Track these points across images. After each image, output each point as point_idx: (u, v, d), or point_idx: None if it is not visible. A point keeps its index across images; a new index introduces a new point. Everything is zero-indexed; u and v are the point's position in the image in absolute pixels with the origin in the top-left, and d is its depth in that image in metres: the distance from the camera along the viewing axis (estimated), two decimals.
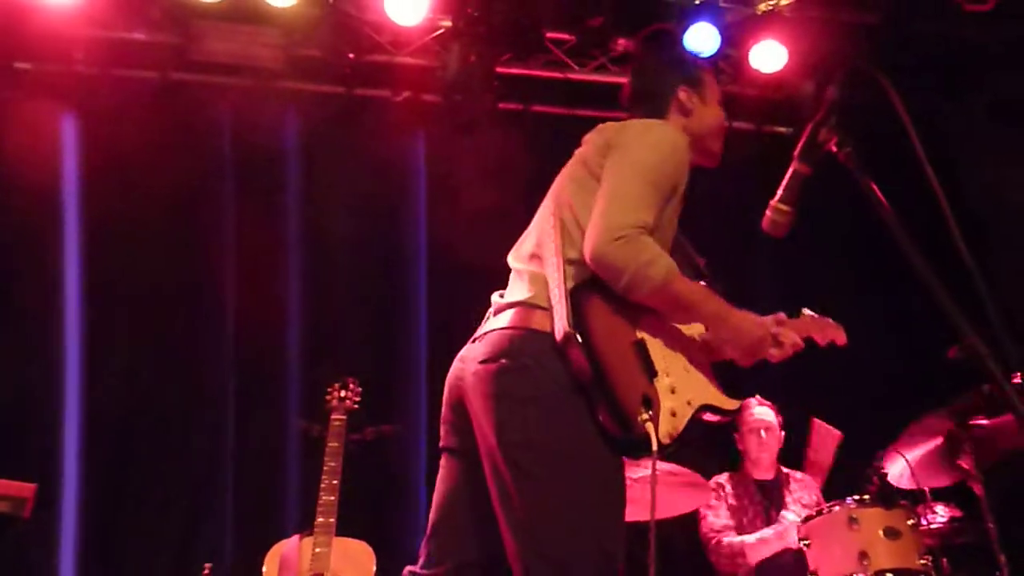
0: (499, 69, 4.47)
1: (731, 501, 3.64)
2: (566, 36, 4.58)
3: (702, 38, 4.47)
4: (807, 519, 2.98)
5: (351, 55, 4.31)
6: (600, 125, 1.98)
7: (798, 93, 4.64)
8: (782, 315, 1.99)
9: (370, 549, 3.07)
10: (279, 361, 4.05)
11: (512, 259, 2.00)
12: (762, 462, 3.70)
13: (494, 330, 1.84)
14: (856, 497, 2.85)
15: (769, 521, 3.56)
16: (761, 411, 3.72)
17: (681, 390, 1.82)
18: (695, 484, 3.19)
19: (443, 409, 1.94)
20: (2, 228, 4.01)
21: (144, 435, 3.89)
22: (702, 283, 1.94)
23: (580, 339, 1.69)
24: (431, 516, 1.92)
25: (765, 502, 3.63)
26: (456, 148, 4.48)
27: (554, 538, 1.68)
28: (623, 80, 4.55)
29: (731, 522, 3.58)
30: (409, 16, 4.19)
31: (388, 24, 4.29)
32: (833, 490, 3.04)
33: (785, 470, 3.73)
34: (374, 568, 3.03)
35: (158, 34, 4.25)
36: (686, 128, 2.01)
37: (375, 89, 4.59)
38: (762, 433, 3.68)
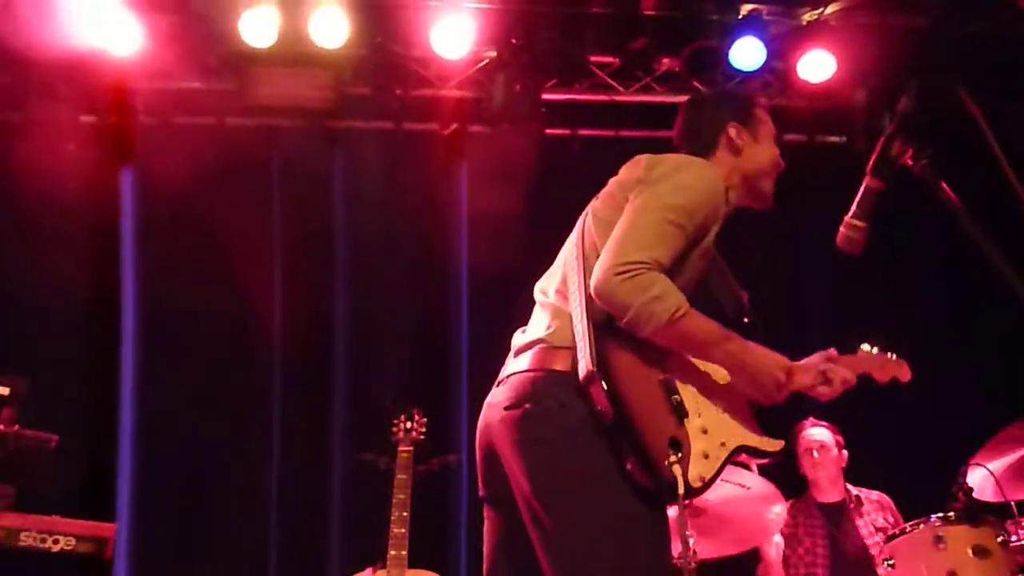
0: (545, 96, 4.50)
1: (786, 529, 3.55)
2: (610, 59, 4.59)
3: (747, 52, 4.44)
4: (889, 538, 2.88)
5: (399, 91, 4.39)
6: (636, 157, 1.90)
7: (849, 101, 4.57)
8: (833, 351, 1.89)
9: None
10: (325, 394, 4.10)
11: (537, 292, 1.96)
12: (820, 484, 3.61)
13: (516, 373, 1.82)
14: (941, 515, 2.75)
15: (832, 546, 3.47)
16: (813, 431, 3.66)
17: (714, 431, 1.76)
18: (770, 501, 3.10)
19: (477, 458, 1.92)
20: (68, 270, 4.13)
21: (195, 470, 3.97)
22: (716, 322, 1.82)
23: (603, 379, 1.65)
24: (484, 568, 1.90)
25: (829, 526, 3.54)
26: (500, 176, 4.49)
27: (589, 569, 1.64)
28: (669, 99, 4.68)
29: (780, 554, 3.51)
30: (454, 49, 4.26)
31: (434, 59, 4.36)
32: (917, 508, 2.93)
33: (855, 491, 3.63)
34: None
35: (215, 81, 4.38)
36: (736, 167, 1.95)
37: (423, 123, 4.66)
38: (815, 454, 3.61)
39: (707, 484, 1.71)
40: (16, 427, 2.80)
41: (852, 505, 3.59)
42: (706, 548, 3.01)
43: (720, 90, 2.10)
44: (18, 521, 2.68)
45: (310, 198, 4.52)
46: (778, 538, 3.51)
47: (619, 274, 1.68)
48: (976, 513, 2.71)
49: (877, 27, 4.45)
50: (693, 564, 2.90)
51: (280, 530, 3.90)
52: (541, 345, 1.81)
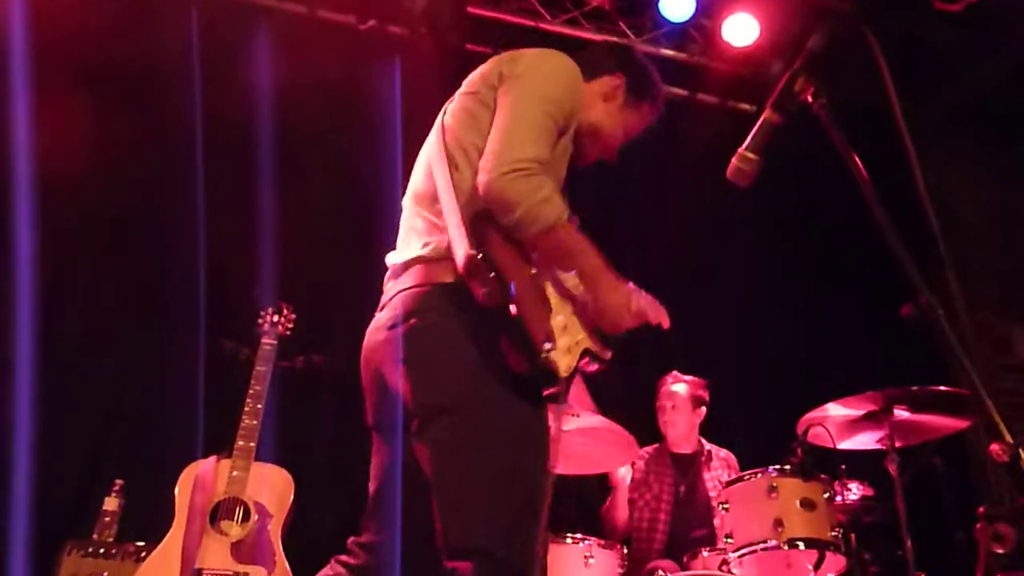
0: (470, 9, 4.35)
1: (636, 475, 3.70)
2: None
3: (678, 3, 4.43)
4: (729, 484, 3.03)
5: None
6: (494, 57, 1.89)
7: (766, 71, 4.65)
8: (632, 285, 1.90)
9: (289, 476, 3.00)
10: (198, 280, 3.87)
11: (406, 203, 1.93)
12: (671, 436, 3.77)
13: (398, 293, 1.78)
14: (777, 467, 2.90)
15: (676, 494, 3.64)
16: (674, 387, 3.79)
17: (571, 330, 1.78)
18: (629, 444, 3.21)
19: (364, 385, 1.88)
20: None
21: (68, 346, 3.72)
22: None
23: (486, 261, 1.64)
24: (370, 489, 1.88)
25: (677, 476, 3.70)
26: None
27: (479, 492, 1.64)
28: (592, 36, 4.62)
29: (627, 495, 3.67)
30: None
31: None
32: (759, 459, 3.09)
33: (708, 446, 3.80)
34: (292, 496, 2.97)
35: None
36: (594, 109, 1.96)
37: (339, 13, 4.41)
38: (669, 407, 3.75)
39: (571, 377, 1.74)
40: None
41: (703, 458, 3.75)
42: (559, 467, 3.09)
43: (643, 58, 2.08)
44: None
45: (232, 74, 4.14)
46: (625, 470, 3.64)
47: (509, 172, 1.66)
48: (809, 469, 2.86)
49: (805, 3, 4.52)
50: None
51: (130, 414, 3.71)
52: (419, 262, 1.78)
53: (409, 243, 1.84)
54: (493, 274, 1.64)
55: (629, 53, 2.11)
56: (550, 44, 4.69)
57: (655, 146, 4.55)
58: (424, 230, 1.81)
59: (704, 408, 3.80)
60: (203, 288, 3.73)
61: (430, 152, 1.88)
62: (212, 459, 2.93)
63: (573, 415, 3.03)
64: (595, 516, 3.79)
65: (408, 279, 1.77)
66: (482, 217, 1.71)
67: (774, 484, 2.85)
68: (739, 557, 2.84)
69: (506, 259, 1.69)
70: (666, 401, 3.77)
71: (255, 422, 2.98)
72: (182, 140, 3.97)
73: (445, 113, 1.92)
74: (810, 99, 1.46)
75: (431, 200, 1.81)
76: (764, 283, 4.64)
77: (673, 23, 4.55)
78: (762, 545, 2.79)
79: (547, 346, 1.66)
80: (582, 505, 3.78)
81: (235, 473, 2.89)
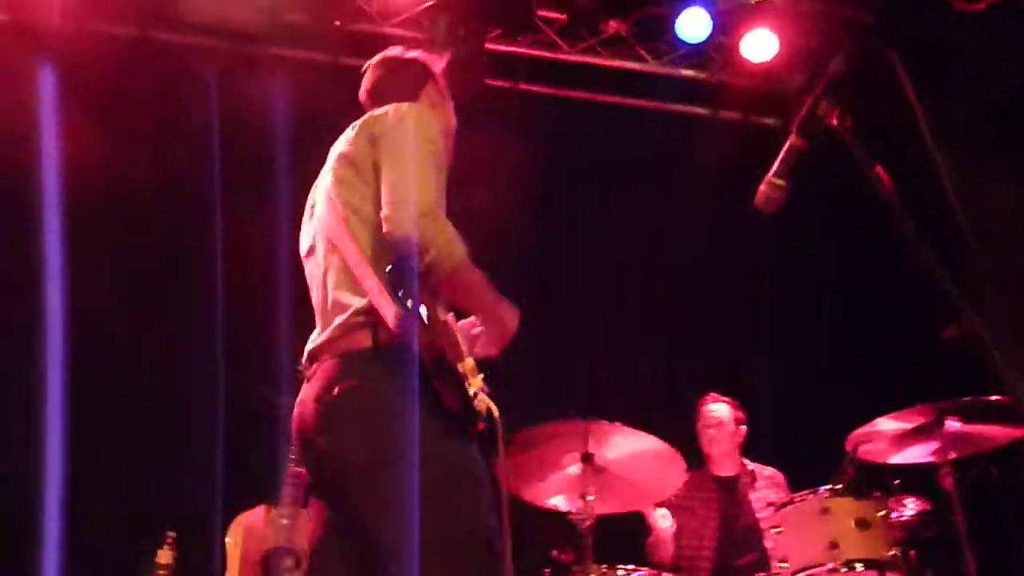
0: (488, 45, 4.41)
1: (681, 500, 3.59)
2: (557, 15, 4.53)
3: (694, 23, 4.45)
4: (780, 507, 2.97)
5: (338, 23, 4.23)
6: (354, 124, 1.94)
7: (787, 85, 4.64)
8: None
9: None
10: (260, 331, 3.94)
11: (311, 277, 1.96)
12: (716, 458, 3.70)
13: (320, 363, 1.81)
14: (829, 487, 2.85)
15: (722, 519, 3.56)
16: (713, 407, 3.74)
17: (472, 371, 1.84)
18: (674, 462, 3.13)
19: (296, 451, 1.96)
20: None
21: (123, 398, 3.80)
22: None
23: (418, 319, 1.69)
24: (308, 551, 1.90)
25: (722, 499, 3.63)
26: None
27: (431, 541, 1.63)
28: (612, 63, 4.66)
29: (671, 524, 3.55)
30: None
31: None
32: (808, 479, 3.03)
33: (751, 466, 3.73)
34: None
35: None
36: (439, 118, 2.02)
37: (361, 59, 4.49)
38: (711, 430, 3.70)
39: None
40: None
41: (746, 480, 3.68)
42: (605, 505, 3.05)
43: (408, 54, 2.12)
44: None
45: (251, 126, 4.25)
46: (664, 512, 3.53)
47: (423, 215, 1.72)
48: (861, 487, 2.81)
49: (822, 15, 4.50)
50: (590, 520, 2.95)
51: (178, 467, 3.77)
52: (338, 334, 1.80)
53: (325, 325, 1.86)
54: (427, 325, 1.69)
55: (422, 57, 2.15)
56: (570, 74, 4.81)
57: (680, 167, 4.63)
58: (333, 306, 1.84)
59: (744, 428, 3.75)
60: (222, 341, 3.81)
61: (324, 224, 1.91)
62: (260, 508, 2.96)
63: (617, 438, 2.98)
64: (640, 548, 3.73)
65: (330, 351, 1.80)
66: (399, 274, 1.74)
67: (826, 505, 2.80)
68: None
69: (427, 307, 1.74)
70: (708, 422, 3.72)
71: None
72: (202, 182, 4.08)
73: (317, 188, 1.99)
74: (835, 122, 1.46)
75: (340, 270, 1.84)
76: (801, 299, 4.59)
77: (691, 44, 4.56)
78: (819, 568, 2.73)
79: (474, 386, 1.76)
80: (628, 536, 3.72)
81: (284, 521, 2.92)
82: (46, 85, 4.06)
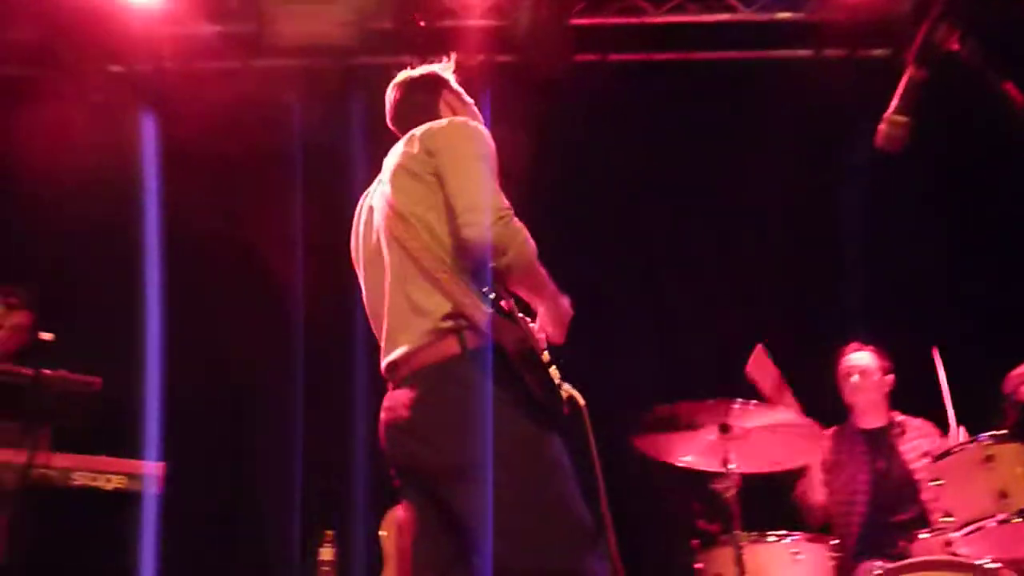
0: (573, 21, 4.35)
1: (827, 456, 3.49)
2: None
3: None
4: (938, 458, 2.81)
5: (422, 23, 4.28)
6: (405, 138, 2.01)
7: (893, 11, 4.33)
8: None
9: None
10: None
11: (387, 308, 1.97)
12: (861, 409, 3.54)
13: (412, 371, 1.87)
14: (990, 433, 2.67)
15: (873, 472, 3.40)
16: (855, 356, 3.58)
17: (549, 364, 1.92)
18: (815, 436, 3.08)
19: (388, 458, 1.97)
20: (95, 219, 4.13)
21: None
22: None
23: (504, 313, 1.83)
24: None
25: (871, 453, 3.47)
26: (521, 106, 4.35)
27: (528, 530, 1.72)
28: (704, 19, 4.49)
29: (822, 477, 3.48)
30: None
31: None
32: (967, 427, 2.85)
33: (900, 417, 3.55)
34: None
35: (236, 24, 4.32)
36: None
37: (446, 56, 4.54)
38: (855, 378, 3.53)
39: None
40: (63, 372, 2.85)
41: (896, 431, 3.50)
42: (746, 465, 3.02)
43: (417, 71, 2.21)
44: (71, 461, 2.76)
45: (331, 140, 4.40)
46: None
47: (498, 219, 1.81)
48: None
49: None
50: (735, 488, 2.91)
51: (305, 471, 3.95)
52: (425, 344, 1.85)
53: (402, 334, 1.91)
54: (512, 321, 1.82)
55: (430, 70, 2.21)
56: (658, 37, 4.68)
57: (786, 116, 4.40)
58: (418, 308, 1.88)
59: (891, 377, 3.56)
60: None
61: (389, 234, 1.96)
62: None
63: (755, 411, 2.95)
64: (788, 510, 3.63)
65: (418, 361, 1.86)
66: (468, 277, 1.85)
67: (990, 452, 2.61)
68: (965, 536, 2.62)
69: (508, 307, 1.86)
70: (851, 372, 3.56)
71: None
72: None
73: (371, 198, 2.08)
74: (956, 47, 1.34)
75: (413, 277, 1.89)
76: (938, 239, 4.30)
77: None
78: (988, 520, 2.56)
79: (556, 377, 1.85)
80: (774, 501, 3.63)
81: None
82: (150, 129, 4.33)
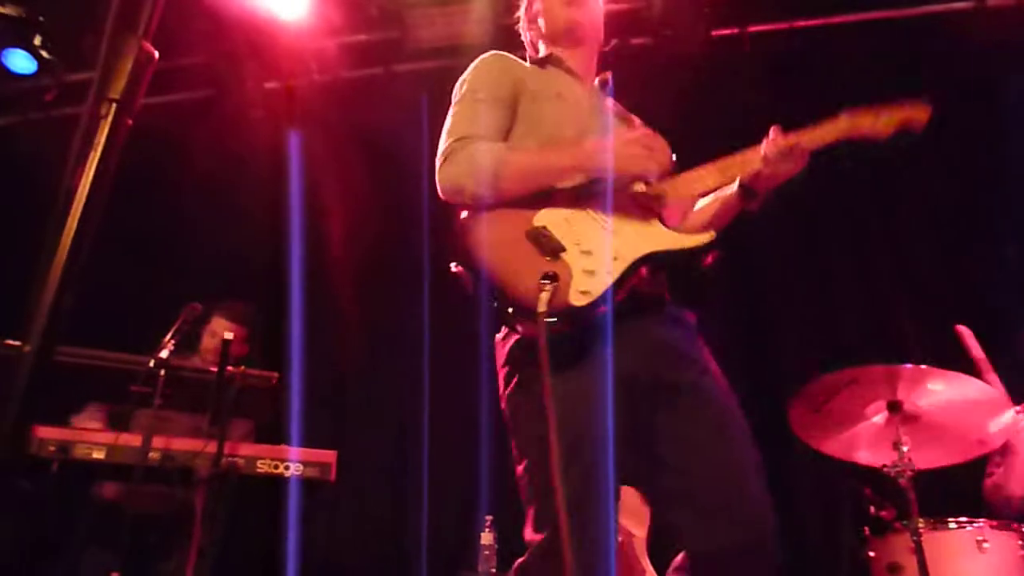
0: None
1: (1012, 440, 3.17)
2: None
3: None
4: None
5: None
6: None
7: None
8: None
9: (641, 494, 3.07)
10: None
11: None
12: None
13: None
14: None
15: None
16: None
17: (599, 250, 1.72)
18: (1001, 408, 2.81)
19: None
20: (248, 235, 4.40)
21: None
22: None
23: (460, 267, 1.74)
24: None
25: None
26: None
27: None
28: None
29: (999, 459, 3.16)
30: None
31: None
32: None
33: None
34: (650, 513, 3.03)
35: (379, 32, 4.51)
36: (538, 32, 2.16)
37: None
38: None
39: (602, 296, 1.65)
40: (242, 368, 3.09)
41: None
42: (923, 458, 2.81)
43: None
44: (255, 450, 2.98)
45: None
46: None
47: (441, 164, 1.82)
48: None
49: None
50: (910, 473, 2.73)
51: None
52: None
53: None
54: (468, 271, 1.72)
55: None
56: (801, 3, 4.44)
57: (948, 74, 4.09)
58: None
59: None
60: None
61: None
62: None
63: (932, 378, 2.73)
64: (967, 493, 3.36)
65: None
66: (465, 222, 1.80)
67: None
68: None
69: (489, 242, 1.72)
70: None
71: None
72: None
73: None
74: None
75: None
76: None
77: None
78: None
79: (546, 287, 1.61)
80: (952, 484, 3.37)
81: None
82: (296, 143, 4.56)
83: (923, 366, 2.71)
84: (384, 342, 4.44)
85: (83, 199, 0.89)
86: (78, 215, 0.88)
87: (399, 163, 4.42)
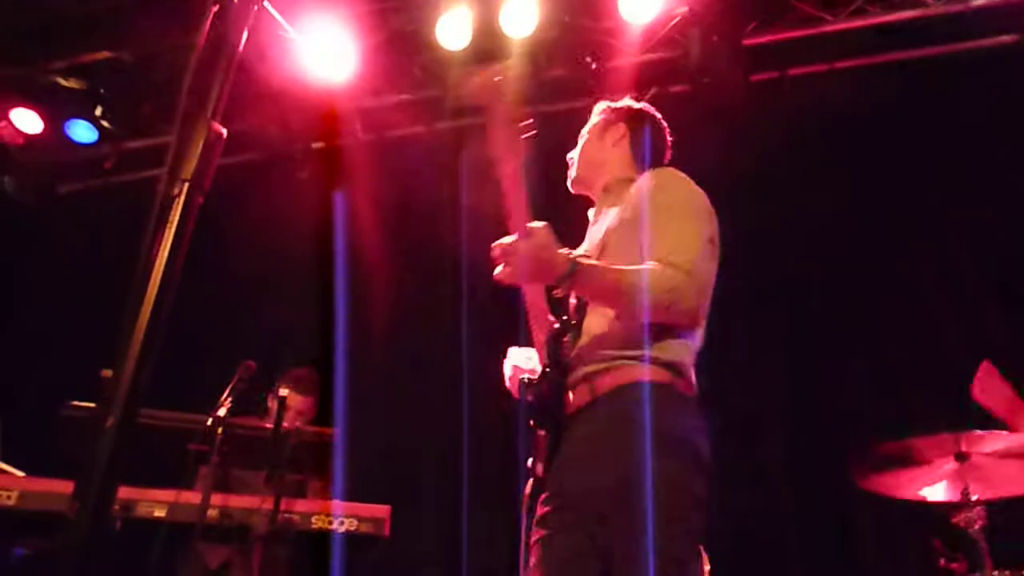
0: (747, 42, 4.27)
1: None
2: None
3: None
4: None
5: (594, 65, 4.37)
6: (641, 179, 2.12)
7: None
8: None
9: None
10: None
11: None
12: None
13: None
14: None
15: None
16: None
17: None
18: None
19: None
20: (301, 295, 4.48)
21: None
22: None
23: None
24: None
25: None
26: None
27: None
28: (887, 19, 4.23)
29: None
30: (644, 13, 4.16)
31: (622, 27, 4.29)
32: None
33: None
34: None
35: (422, 91, 4.63)
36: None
37: (621, 93, 4.58)
38: None
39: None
40: (297, 424, 3.13)
41: None
42: (991, 495, 2.74)
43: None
44: (309, 506, 3.00)
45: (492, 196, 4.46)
46: None
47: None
48: None
49: None
50: (980, 523, 2.66)
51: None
52: None
53: None
54: None
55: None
56: (838, 46, 4.44)
57: (999, 114, 4.01)
58: None
59: None
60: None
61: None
62: None
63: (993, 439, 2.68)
64: None
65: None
66: None
67: None
68: None
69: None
70: None
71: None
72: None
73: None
74: None
75: None
76: None
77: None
78: None
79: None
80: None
81: None
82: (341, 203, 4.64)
83: (985, 432, 2.68)
84: (426, 401, 4.45)
85: (159, 275, 0.94)
86: (155, 290, 0.92)
87: (436, 220, 4.50)
